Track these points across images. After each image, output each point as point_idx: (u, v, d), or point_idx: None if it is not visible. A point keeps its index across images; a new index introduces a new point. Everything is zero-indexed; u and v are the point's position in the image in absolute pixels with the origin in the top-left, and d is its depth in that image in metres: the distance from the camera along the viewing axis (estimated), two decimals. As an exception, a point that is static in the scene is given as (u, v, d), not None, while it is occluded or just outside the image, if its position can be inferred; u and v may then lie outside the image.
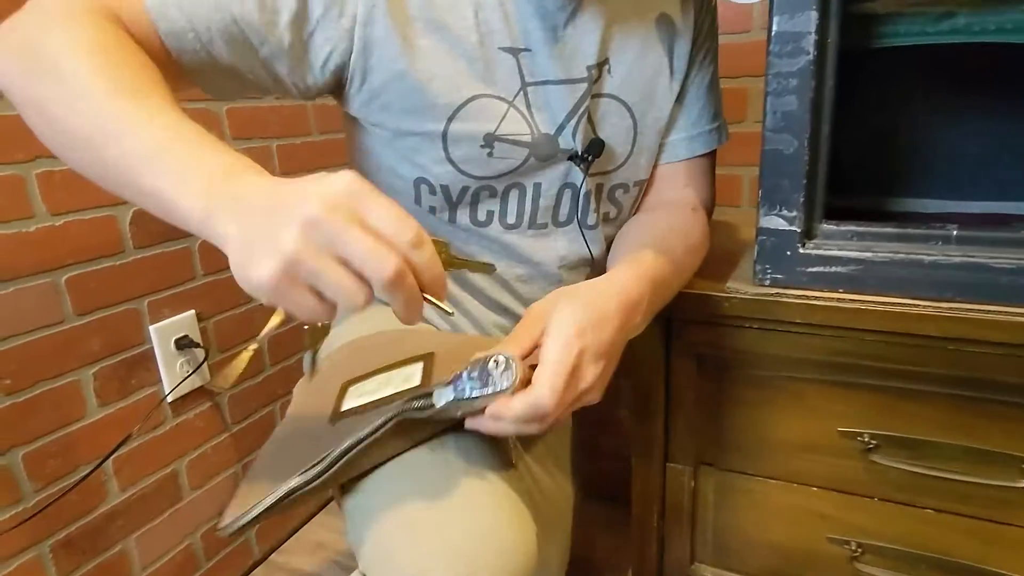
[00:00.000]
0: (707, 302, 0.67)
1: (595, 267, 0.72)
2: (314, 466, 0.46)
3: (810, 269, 0.63)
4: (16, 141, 0.78)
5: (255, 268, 0.36)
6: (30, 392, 0.81)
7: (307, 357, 0.50)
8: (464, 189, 0.65)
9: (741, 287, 0.66)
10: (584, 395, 0.48)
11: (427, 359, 0.57)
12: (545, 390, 0.44)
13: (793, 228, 0.62)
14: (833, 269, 0.62)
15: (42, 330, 0.82)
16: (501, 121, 0.62)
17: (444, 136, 0.61)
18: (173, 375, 0.99)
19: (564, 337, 0.47)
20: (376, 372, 0.58)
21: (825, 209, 0.63)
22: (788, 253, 0.63)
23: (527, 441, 0.66)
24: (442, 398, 0.47)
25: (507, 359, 0.46)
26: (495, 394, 0.46)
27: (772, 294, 0.64)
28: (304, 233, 0.34)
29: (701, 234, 0.68)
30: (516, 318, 0.72)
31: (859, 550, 0.69)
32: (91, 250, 0.87)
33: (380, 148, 0.66)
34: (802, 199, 0.61)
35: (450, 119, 0.61)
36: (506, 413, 0.45)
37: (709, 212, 0.75)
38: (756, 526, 0.75)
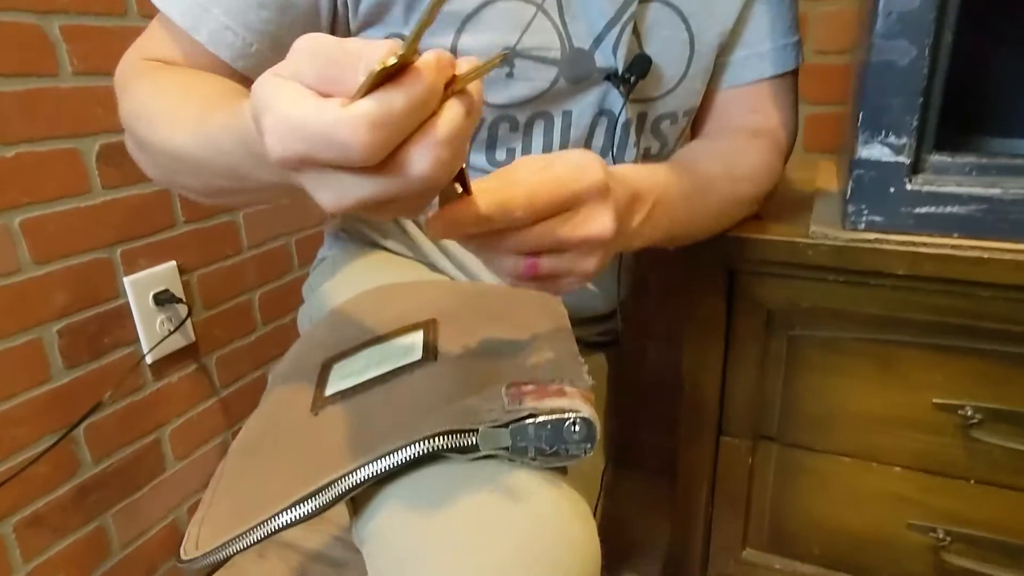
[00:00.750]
0: (783, 249, 0.56)
1: None
2: (309, 498, 0.35)
3: (918, 210, 0.52)
4: (-49, 51, 0.65)
5: None
6: (-18, 351, 0.70)
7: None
8: (479, 122, 0.53)
9: (829, 231, 0.55)
10: (581, 228, 0.35)
11: (428, 327, 0.46)
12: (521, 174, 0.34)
13: (900, 159, 0.51)
14: (948, 210, 0.51)
15: (-7, 280, 0.70)
16: (525, 31, 0.50)
17: (453, 52, 0.49)
18: (152, 334, 0.87)
19: (584, 152, 0.37)
20: (366, 345, 0.47)
21: (936, 138, 0.52)
22: (891, 190, 0.52)
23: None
24: (490, 442, 0.35)
25: (590, 424, 0.35)
26: (566, 458, 0.36)
27: (870, 240, 0.53)
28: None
29: (757, 163, 0.56)
30: None
31: (947, 538, 0.60)
32: (51, 189, 0.75)
33: None
34: (915, 123, 0.50)
35: (459, 30, 0.49)
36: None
37: (786, 145, 0.62)
38: (822, 509, 0.66)
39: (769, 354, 0.62)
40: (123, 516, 0.87)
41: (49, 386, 0.77)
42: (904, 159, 0.51)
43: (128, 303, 0.85)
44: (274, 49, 0.49)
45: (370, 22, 0.51)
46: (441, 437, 0.35)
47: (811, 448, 0.64)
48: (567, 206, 0.35)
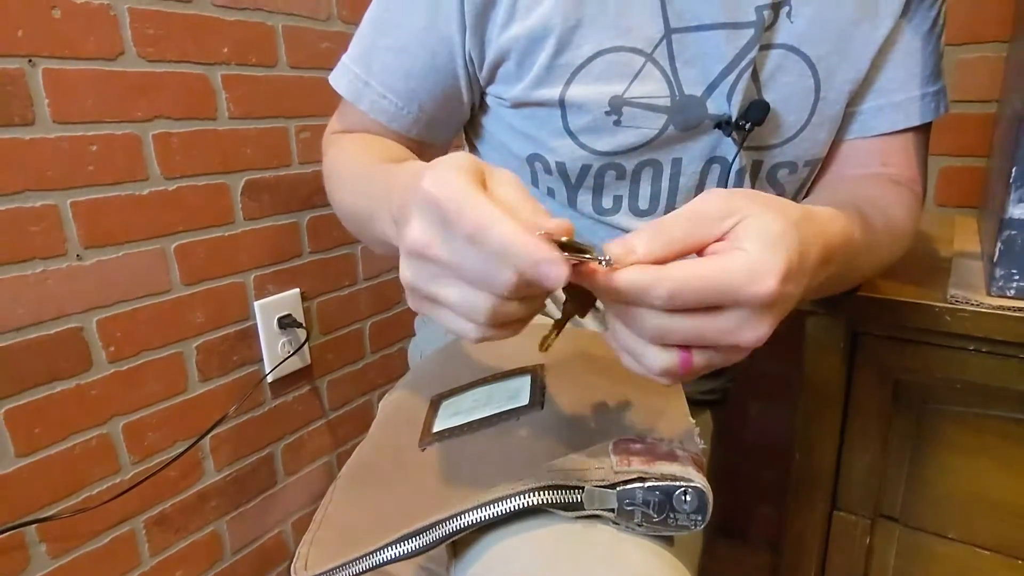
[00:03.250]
0: (917, 313, 0.52)
1: None
2: (414, 536, 0.36)
3: (1082, 278, 0.46)
4: (134, 96, 0.75)
5: None
6: (133, 361, 0.78)
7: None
8: (585, 168, 0.54)
9: (970, 296, 0.50)
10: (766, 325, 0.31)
11: (536, 372, 0.47)
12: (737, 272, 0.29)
13: (1061, 221, 0.46)
14: (1120, 280, 0.45)
15: (149, 298, 0.79)
16: (633, 80, 0.50)
17: (562, 103, 0.51)
18: (274, 355, 0.94)
19: (776, 245, 0.30)
20: (474, 385, 0.49)
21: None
22: (1049, 255, 0.47)
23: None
24: (596, 502, 0.35)
25: (702, 495, 0.34)
26: (675, 528, 0.34)
27: (1021, 308, 0.48)
28: (408, 269, 0.32)
29: (905, 214, 0.51)
30: None
31: (1114, 661, 0.52)
32: (202, 218, 0.84)
33: (492, 123, 0.58)
34: (1079, 182, 0.45)
35: (568, 81, 0.50)
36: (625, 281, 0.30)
37: (918, 195, 0.58)
38: (955, 605, 0.59)
39: (895, 427, 0.57)
40: (236, 523, 0.93)
41: (184, 396, 0.85)
42: (1065, 222, 0.46)
43: (256, 325, 0.92)
44: (421, 109, 0.56)
45: (489, 81, 0.54)
46: (547, 492, 0.35)
47: (942, 535, 0.58)
48: (720, 303, 0.30)
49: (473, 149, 0.64)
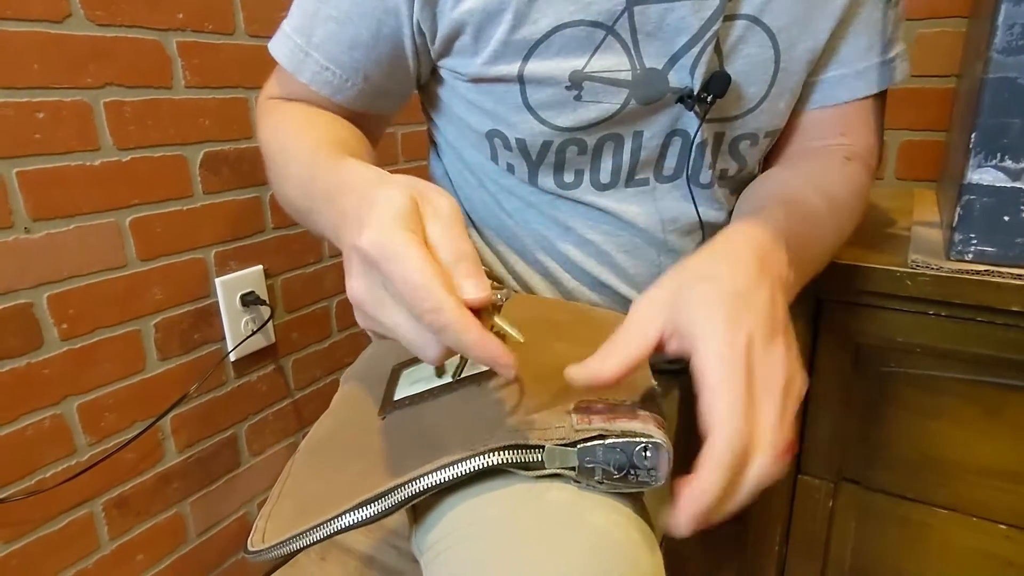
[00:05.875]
0: (879, 278, 0.53)
1: (707, 234, 0.58)
2: (372, 502, 0.35)
3: (1036, 241, 0.48)
4: (83, 62, 0.71)
5: None
6: (88, 339, 0.75)
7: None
8: (546, 144, 0.53)
9: (931, 261, 0.51)
10: (784, 399, 0.34)
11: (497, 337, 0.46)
12: (713, 469, 0.31)
13: (1018, 185, 0.47)
14: (1072, 242, 0.47)
15: (103, 273, 0.76)
16: (593, 54, 0.49)
17: (521, 78, 0.49)
18: (237, 333, 0.92)
19: (722, 340, 0.33)
20: None
21: (1059, 163, 0.48)
22: (1006, 219, 0.48)
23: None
24: (556, 460, 0.34)
25: (662, 451, 0.34)
26: (635, 484, 0.34)
27: (979, 272, 0.49)
28: (357, 313, 0.36)
29: (853, 190, 0.53)
30: (615, 297, 0.59)
31: (1060, 610, 0.54)
32: (158, 191, 0.80)
33: (449, 97, 0.56)
34: (1035, 146, 0.46)
35: (527, 57, 0.49)
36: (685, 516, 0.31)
37: (875, 169, 0.59)
38: (911, 563, 0.60)
39: (858, 390, 0.58)
40: (200, 505, 0.91)
41: (142, 376, 0.82)
42: (1022, 185, 0.47)
43: (217, 303, 0.89)
44: (366, 80, 0.54)
45: (443, 55, 0.52)
46: (506, 452, 0.34)
47: (901, 496, 0.59)
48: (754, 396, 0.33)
49: (431, 122, 0.62)
